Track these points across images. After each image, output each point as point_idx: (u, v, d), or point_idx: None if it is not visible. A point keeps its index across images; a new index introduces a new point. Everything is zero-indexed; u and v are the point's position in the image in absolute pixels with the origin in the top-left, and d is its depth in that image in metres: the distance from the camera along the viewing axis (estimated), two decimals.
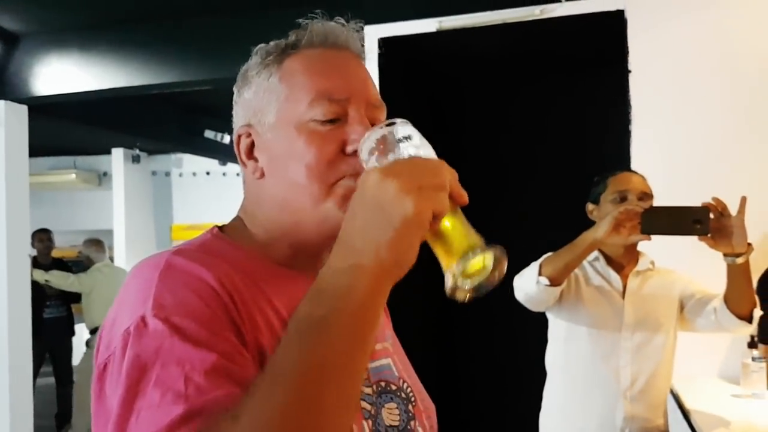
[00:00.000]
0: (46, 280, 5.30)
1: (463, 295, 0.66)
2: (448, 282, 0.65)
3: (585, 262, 2.14)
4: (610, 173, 2.14)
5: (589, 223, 2.00)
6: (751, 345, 2.29)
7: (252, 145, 0.81)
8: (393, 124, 0.70)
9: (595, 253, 2.15)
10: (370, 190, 0.63)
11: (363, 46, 0.84)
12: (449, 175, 0.64)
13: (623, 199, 2.03)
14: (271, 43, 0.82)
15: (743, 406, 2.18)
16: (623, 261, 2.15)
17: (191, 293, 0.67)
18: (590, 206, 2.15)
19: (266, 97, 0.80)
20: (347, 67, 0.80)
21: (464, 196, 0.65)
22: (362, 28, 0.83)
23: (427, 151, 0.69)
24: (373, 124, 0.78)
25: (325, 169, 0.76)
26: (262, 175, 0.80)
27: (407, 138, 0.69)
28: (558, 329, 2.14)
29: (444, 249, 0.66)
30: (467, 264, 0.64)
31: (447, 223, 0.65)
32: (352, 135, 0.76)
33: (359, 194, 0.64)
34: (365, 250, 0.62)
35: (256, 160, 0.81)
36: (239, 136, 0.82)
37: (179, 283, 0.68)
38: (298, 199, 0.77)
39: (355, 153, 0.75)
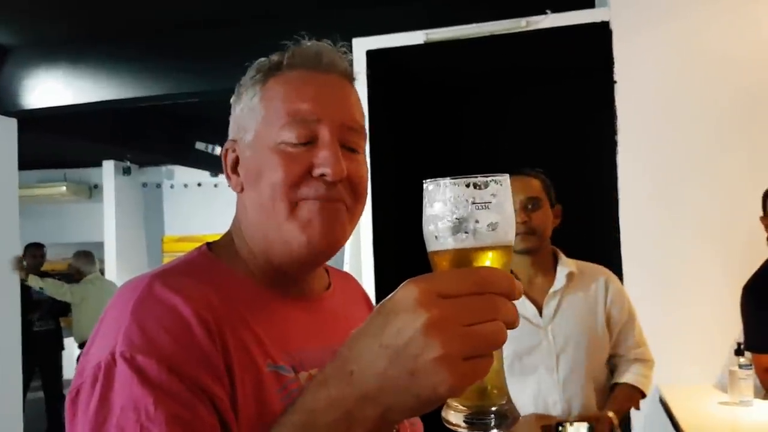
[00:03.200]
0: (41, 288, 5.32)
1: (448, 425, 0.58)
2: (448, 413, 0.57)
3: None
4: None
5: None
6: (738, 352, 2.28)
7: (237, 160, 0.83)
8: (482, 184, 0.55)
9: None
10: (403, 335, 0.51)
11: (351, 66, 0.84)
12: (511, 311, 0.53)
13: None
14: (263, 60, 0.83)
15: (730, 413, 2.19)
16: (535, 280, 1.92)
17: (162, 330, 0.67)
18: None
19: (248, 116, 0.82)
20: (324, 89, 0.80)
21: (516, 323, 0.54)
22: (346, 52, 0.83)
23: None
24: (346, 146, 0.79)
25: (289, 189, 0.77)
26: (242, 189, 0.83)
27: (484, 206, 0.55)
28: None
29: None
30: (474, 421, 0.56)
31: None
32: (318, 159, 0.77)
33: (390, 327, 0.53)
34: (377, 401, 0.54)
35: (238, 174, 0.83)
36: (226, 150, 0.85)
37: (152, 316, 0.68)
38: (265, 217, 0.79)
39: (321, 176, 0.76)
